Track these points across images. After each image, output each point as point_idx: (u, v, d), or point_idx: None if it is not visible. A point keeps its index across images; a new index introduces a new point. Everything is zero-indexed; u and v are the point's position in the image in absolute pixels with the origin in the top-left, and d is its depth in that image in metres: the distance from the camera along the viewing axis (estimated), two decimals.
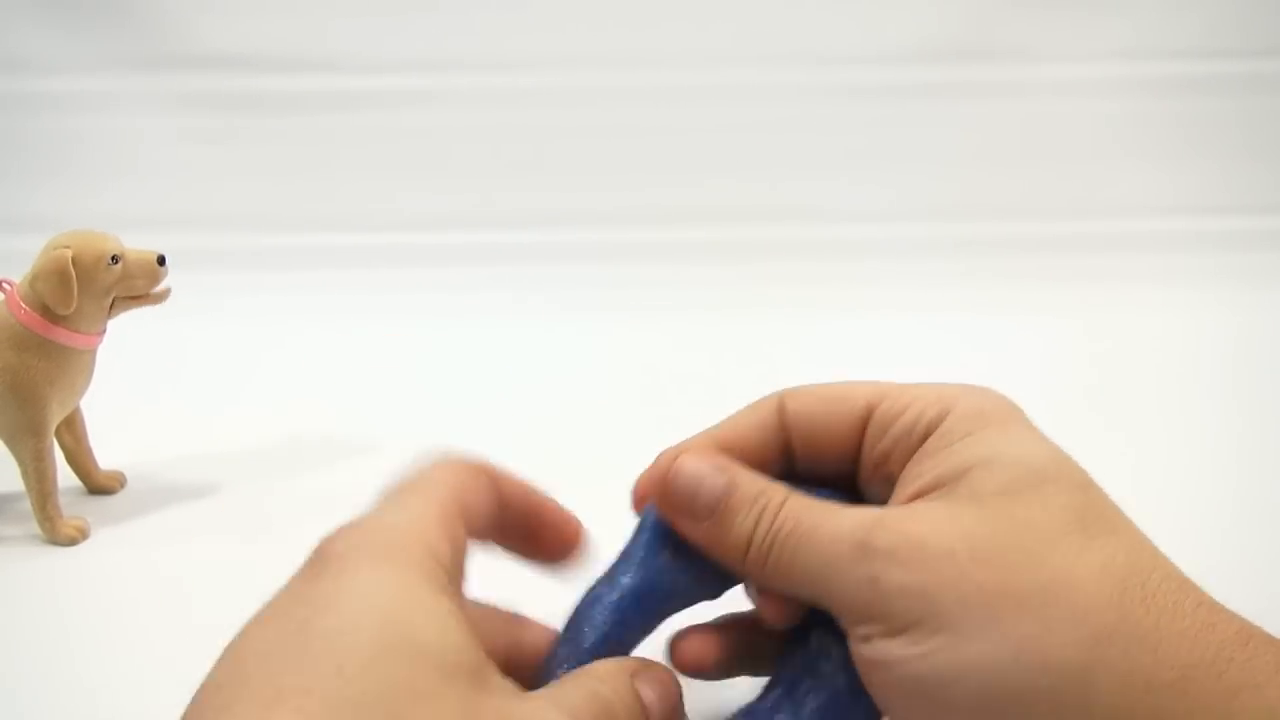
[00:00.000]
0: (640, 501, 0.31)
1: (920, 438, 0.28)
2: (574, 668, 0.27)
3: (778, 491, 0.28)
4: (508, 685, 0.23)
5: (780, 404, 0.30)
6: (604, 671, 0.26)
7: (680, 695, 0.27)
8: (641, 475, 0.31)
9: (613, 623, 0.28)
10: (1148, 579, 0.24)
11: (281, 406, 0.68)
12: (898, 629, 0.24)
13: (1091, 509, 0.25)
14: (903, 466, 0.28)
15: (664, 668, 0.28)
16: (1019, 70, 0.91)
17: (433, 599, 0.23)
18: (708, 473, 0.28)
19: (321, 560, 0.23)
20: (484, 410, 0.68)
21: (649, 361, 0.76)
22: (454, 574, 0.25)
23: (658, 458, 0.30)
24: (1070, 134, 0.92)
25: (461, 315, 0.84)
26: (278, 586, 0.24)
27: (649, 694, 0.26)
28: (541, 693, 0.25)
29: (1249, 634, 0.23)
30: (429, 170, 0.93)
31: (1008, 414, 0.28)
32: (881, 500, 0.29)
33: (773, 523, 0.27)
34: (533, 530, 0.30)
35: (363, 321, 0.83)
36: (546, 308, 0.86)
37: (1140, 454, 0.59)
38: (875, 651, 0.25)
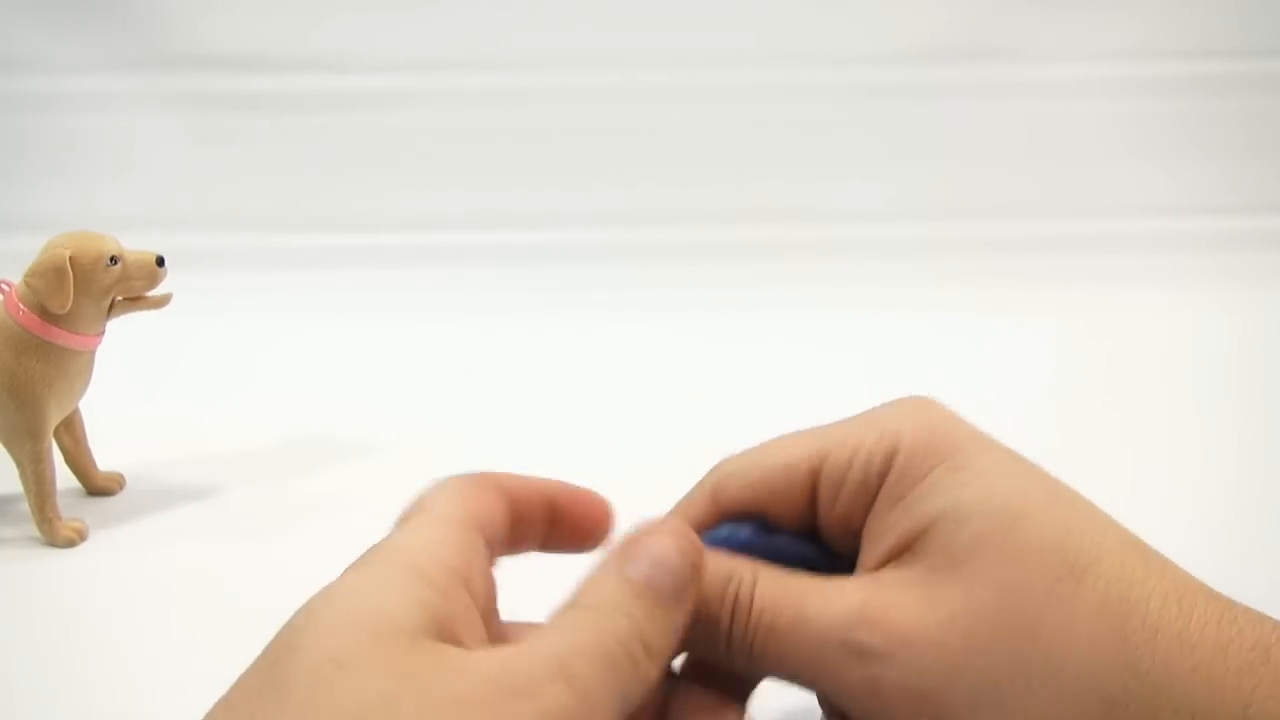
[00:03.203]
0: None
1: (873, 489, 0.27)
2: None
3: (745, 570, 0.26)
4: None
5: (714, 491, 0.29)
6: (591, 594, 0.23)
7: (690, 549, 0.24)
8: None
9: None
10: (1147, 609, 0.23)
11: (281, 407, 0.68)
12: None
13: (1069, 539, 0.24)
14: (863, 520, 0.27)
15: (659, 528, 0.25)
16: (1019, 70, 0.91)
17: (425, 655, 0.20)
18: (672, 552, 0.24)
19: (279, 652, 0.20)
20: (484, 410, 0.68)
21: (650, 361, 0.75)
22: (476, 593, 0.23)
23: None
24: (1070, 134, 0.92)
25: (462, 315, 0.84)
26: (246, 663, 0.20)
27: (639, 571, 0.23)
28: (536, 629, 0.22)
29: (1266, 649, 0.22)
30: (428, 170, 0.93)
31: (954, 439, 0.27)
32: (849, 549, 0.28)
33: (748, 618, 0.25)
34: (556, 521, 0.28)
35: (363, 321, 0.83)
36: (546, 308, 0.85)
37: (1141, 453, 0.59)
38: None
